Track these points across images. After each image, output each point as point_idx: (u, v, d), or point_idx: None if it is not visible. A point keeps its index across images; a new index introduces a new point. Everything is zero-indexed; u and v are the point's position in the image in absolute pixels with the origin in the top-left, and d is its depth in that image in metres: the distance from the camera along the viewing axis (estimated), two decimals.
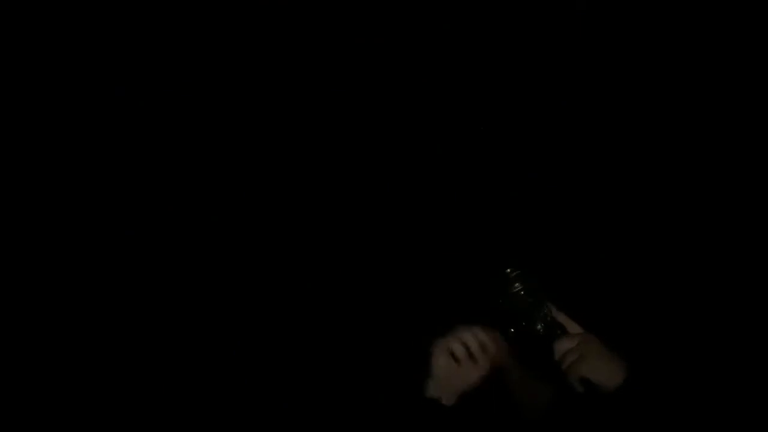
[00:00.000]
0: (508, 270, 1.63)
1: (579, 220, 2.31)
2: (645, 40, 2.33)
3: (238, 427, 2.29)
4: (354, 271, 2.36)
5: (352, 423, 1.93)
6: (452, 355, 1.60)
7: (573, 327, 1.60)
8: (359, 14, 2.39)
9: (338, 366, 2.26)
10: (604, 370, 1.51)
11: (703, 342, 2.07)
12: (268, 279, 2.38)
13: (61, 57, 2.39)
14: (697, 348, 2.04)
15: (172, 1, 2.39)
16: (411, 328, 1.84)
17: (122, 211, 2.40)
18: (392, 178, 2.41)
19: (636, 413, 1.47)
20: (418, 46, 2.41)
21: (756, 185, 2.24)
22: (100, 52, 2.40)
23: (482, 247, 2.32)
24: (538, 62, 2.38)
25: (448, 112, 2.43)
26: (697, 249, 2.24)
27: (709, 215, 2.25)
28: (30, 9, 2.37)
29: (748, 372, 1.95)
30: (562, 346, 1.56)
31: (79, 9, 2.37)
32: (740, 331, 2.10)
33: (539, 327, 1.61)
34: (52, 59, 2.39)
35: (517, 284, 1.63)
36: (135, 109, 2.41)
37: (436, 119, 2.43)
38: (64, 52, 2.39)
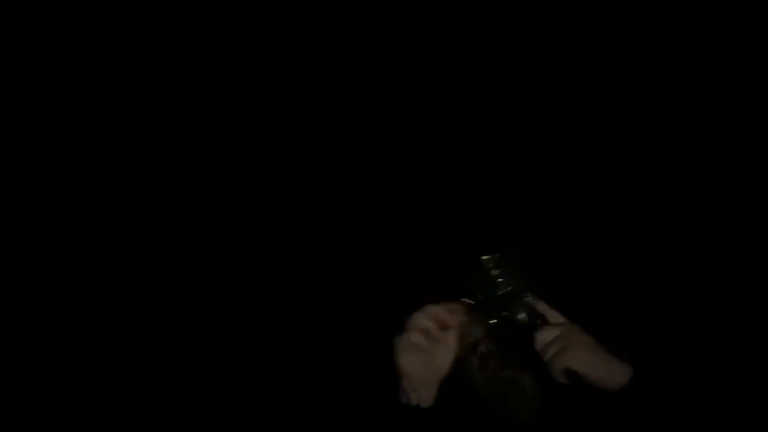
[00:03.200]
0: (485, 257, 1.51)
1: (560, 213, 2.29)
2: (645, 40, 2.33)
3: (238, 427, 2.29)
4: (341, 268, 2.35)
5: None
6: (415, 346, 1.46)
7: (554, 316, 1.51)
8: (359, 14, 2.40)
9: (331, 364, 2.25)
10: (588, 361, 1.43)
11: (689, 331, 2.04)
12: (267, 278, 2.38)
13: (61, 57, 2.39)
14: (684, 337, 2.00)
15: (172, 1, 2.39)
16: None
17: (122, 210, 2.40)
18: (391, 176, 2.42)
19: (623, 404, 1.41)
20: (418, 46, 2.41)
21: (747, 180, 2.25)
22: (100, 52, 2.40)
23: (458, 239, 2.27)
24: (538, 62, 2.38)
25: (448, 112, 2.43)
26: (679, 243, 2.23)
27: (702, 216, 2.25)
28: (30, 9, 2.37)
29: (738, 366, 1.91)
30: (543, 336, 1.47)
31: (79, 9, 2.37)
32: (728, 325, 2.08)
33: (521, 316, 1.50)
34: (52, 59, 2.39)
35: (494, 271, 1.50)
36: (135, 109, 2.41)
37: (436, 119, 2.43)
38: (64, 52, 2.39)
